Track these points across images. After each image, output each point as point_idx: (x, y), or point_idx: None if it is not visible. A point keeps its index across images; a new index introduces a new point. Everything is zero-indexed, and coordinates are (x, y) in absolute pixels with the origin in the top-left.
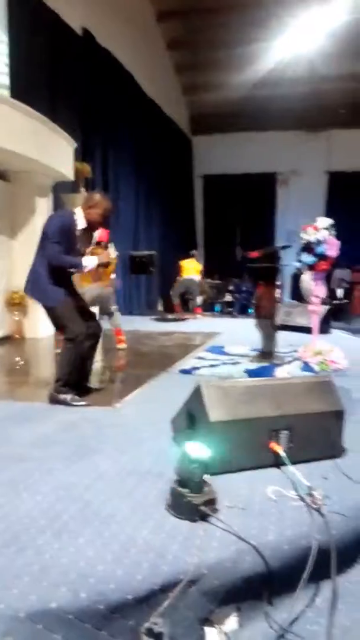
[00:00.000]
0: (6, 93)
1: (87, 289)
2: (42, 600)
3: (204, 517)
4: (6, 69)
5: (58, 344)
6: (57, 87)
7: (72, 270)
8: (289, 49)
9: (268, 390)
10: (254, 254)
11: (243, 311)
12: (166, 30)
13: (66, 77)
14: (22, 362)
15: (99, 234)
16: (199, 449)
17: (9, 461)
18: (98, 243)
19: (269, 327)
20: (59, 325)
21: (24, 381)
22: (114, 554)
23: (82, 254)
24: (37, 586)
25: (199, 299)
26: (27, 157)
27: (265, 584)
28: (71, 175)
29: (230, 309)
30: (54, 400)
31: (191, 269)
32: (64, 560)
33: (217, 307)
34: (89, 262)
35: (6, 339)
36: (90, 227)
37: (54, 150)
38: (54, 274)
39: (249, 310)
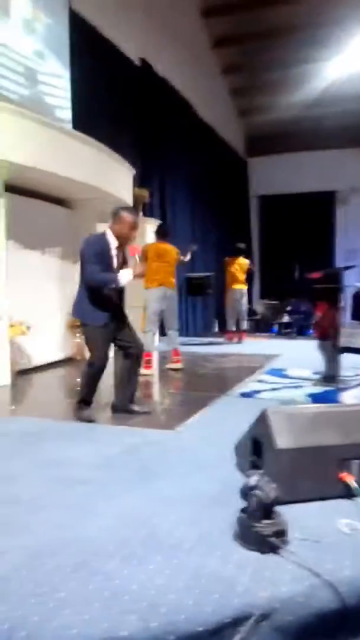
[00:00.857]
0: (69, 126)
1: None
2: (113, 628)
3: (274, 549)
4: (68, 104)
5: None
6: (116, 117)
7: (112, 287)
8: (345, 67)
9: (337, 417)
10: (316, 275)
11: (301, 332)
12: (221, 55)
13: (125, 107)
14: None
15: (130, 250)
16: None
17: (74, 483)
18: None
19: (332, 349)
20: (87, 346)
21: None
22: (183, 583)
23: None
24: (108, 613)
25: (245, 323)
26: (89, 185)
27: (340, 623)
28: (130, 201)
29: (288, 330)
30: (77, 417)
31: (238, 273)
32: (134, 587)
33: (275, 329)
34: (125, 276)
35: (67, 361)
36: (121, 244)
37: (114, 178)
38: (95, 295)
39: (308, 332)
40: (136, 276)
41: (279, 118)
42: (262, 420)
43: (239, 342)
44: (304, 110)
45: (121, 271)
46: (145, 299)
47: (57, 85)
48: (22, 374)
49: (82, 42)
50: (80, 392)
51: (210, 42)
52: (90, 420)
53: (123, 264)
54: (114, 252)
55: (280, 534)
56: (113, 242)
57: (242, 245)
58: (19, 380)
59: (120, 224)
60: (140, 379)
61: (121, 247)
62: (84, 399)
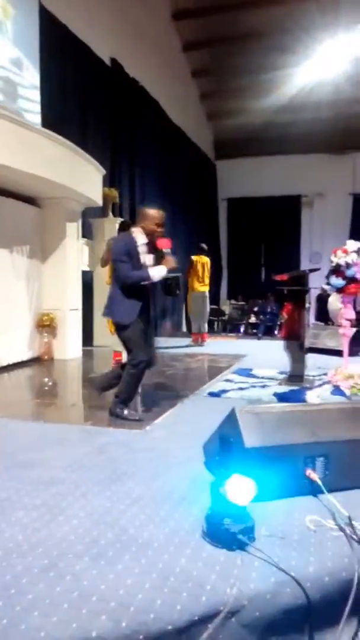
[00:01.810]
0: (38, 124)
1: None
2: (82, 629)
3: (241, 547)
4: (37, 101)
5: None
6: (87, 116)
7: (144, 284)
8: (313, 73)
9: (304, 416)
10: (282, 277)
11: (267, 333)
12: (191, 59)
13: (95, 106)
14: (51, 384)
15: (161, 243)
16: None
17: (43, 484)
18: (158, 251)
19: (298, 349)
20: (127, 348)
21: (53, 402)
22: (152, 582)
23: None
24: (76, 614)
25: (206, 325)
26: (58, 184)
27: (306, 618)
28: (100, 201)
29: (254, 331)
30: (113, 414)
31: (202, 274)
32: (102, 587)
33: (241, 329)
34: (156, 272)
35: (35, 360)
36: (150, 240)
37: (84, 177)
38: (129, 294)
39: (274, 332)
40: (169, 270)
41: (247, 122)
42: (230, 419)
43: (202, 344)
44: (272, 116)
45: (152, 268)
46: None
47: (27, 84)
48: None
49: (52, 40)
50: (122, 392)
51: (181, 45)
52: (139, 419)
53: (156, 260)
54: (142, 249)
55: (248, 531)
56: (140, 239)
57: (204, 246)
58: None
59: (147, 221)
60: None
61: (150, 244)
62: (124, 400)
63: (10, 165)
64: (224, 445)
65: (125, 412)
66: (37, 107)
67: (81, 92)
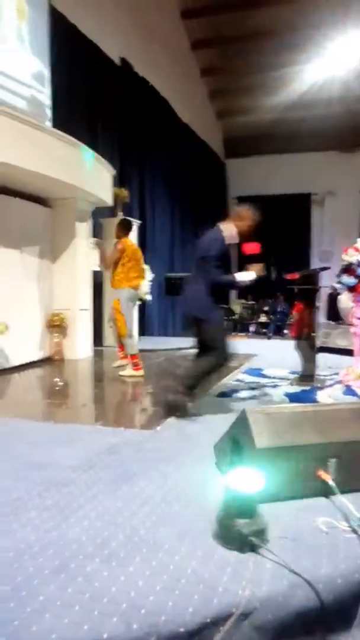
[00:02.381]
0: (49, 124)
1: None
2: (94, 631)
3: (253, 549)
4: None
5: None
6: (96, 116)
7: (234, 287)
8: (323, 71)
9: (315, 417)
10: (293, 276)
11: (277, 332)
12: (200, 57)
13: (105, 106)
14: (62, 384)
15: (249, 248)
16: (251, 479)
17: (55, 485)
18: (250, 257)
19: (309, 349)
20: (211, 345)
21: (64, 402)
22: (163, 584)
23: None
24: (88, 615)
25: None
26: (69, 184)
27: (318, 620)
28: (110, 201)
29: (264, 330)
30: (171, 400)
31: None
32: (114, 589)
33: (252, 328)
34: (244, 277)
35: (46, 360)
36: (240, 240)
37: (94, 178)
38: (216, 293)
39: (284, 332)
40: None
41: (257, 120)
42: (241, 420)
43: None
44: (282, 113)
45: (241, 272)
46: (122, 300)
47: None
48: (0, 373)
49: (62, 40)
50: (190, 378)
51: (190, 44)
52: (195, 414)
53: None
54: (229, 250)
55: (260, 533)
56: (230, 239)
57: None
58: None
59: (244, 221)
60: (131, 380)
61: (235, 245)
62: (191, 386)
63: (20, 165)
64: (235, 446)
65: (185, 400)
66: (48, 108)
67: (91, 92)
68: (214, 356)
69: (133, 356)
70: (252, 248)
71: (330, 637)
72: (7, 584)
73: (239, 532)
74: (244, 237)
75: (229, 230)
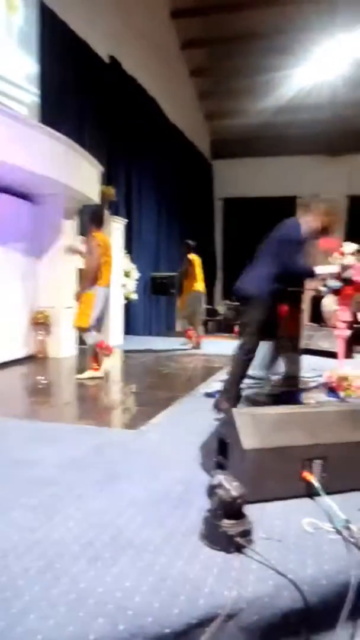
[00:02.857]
0: (35, 118)
1: None
2: (79, 632)
3: (239, 549)
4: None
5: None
6: (84, 113)
7: (303, 277)
8: (311, 75)
9: (302, 418)
10: None
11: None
12: (190, 57)
13: (92, 103)
14: (46, 382)
15: (327, 243)
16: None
17: (39, 484)
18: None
19: (293, 350)
20: (243, 329)
21: (47, 401)
22: (149, 585)
23: None
24: (74, 616)
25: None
26: (56, 181)
27: (303, 621)
28: (97, 198)
29: None
30: (216, 407)
31: (198, 275)
32: (100, 589)
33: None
34: (321, 270)
35: (30, 359)
36: (317, 235)
37: (81, 174)
38: (281, 280)
39: None
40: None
41: (244, 123)
42: (228, 421)
43: (198, 347)
44: (270, 117)
45: (320, 266)
46: (100, 292)
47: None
48: None
49: (51, 36)
50: (225, 382)
51: (179, 44)
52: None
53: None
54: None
55: (246, 533)
56: (308, 232)
57: (192, 243)
58: None
59: (328, 217)
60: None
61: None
62: (225, 390)
63: (6, 160)
64: (222, 446)
65: (226, 406)
66: (36, 101)
67: (79, 89)
68: (241, 345)
69: (99, 344)
70: (330, 245)
71: (315, 637)
72: None
73: (224, 533)
74: (323, 233)
75: (306, 223)
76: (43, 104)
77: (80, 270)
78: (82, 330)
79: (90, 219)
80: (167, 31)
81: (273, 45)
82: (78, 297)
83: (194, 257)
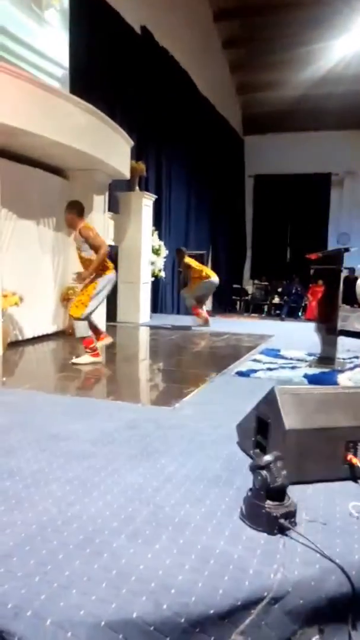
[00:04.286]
0: (66, 90)
1: None
2: (122, 609)
3: (283, 531)
4: (66, 73)
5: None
6: (114, 85)
7: None
8: (350, 47)
9: (345, 399)
10: (314, 256)
11: (291, 314)
12: (223, 29)
13: (123, 75)
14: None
15: None
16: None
17: (74, 457)
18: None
19: (330, 331)
20: None
21: (77, 376)
22: (192, 563)
23: None
24: (116, 593)
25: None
26: (87, 154)
27: (350, 607)
28: (128, 173)
29: (277, 312)
30: None
31: (204, 270)
32: (141, 567)
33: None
34: None
35: (60, 334)
36: None
37: (113, 149)
38: None
39: (298, 314)
40: None
41: (277, 97)
42: (269, 399)
43: (207, 323)
44: (305, 90)
45: None
46: (102, 282)
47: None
48: (13, 345)
49: (82, 7)
50: None
51: (212, 15)
52: None
53: None
54: None
55: (290, 515)
56: None
57: (184, 249)
58: (9, 352)
59: None
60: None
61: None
62: None
63: (36, 132)
64: (261, 426)
65: None
66: (66, 73)
67: (111, 60)
68: None
69: (88, 341)
70: None
71: None
72: (32, 558)
73: (268, 514)
74: None
75: None
76: (74, 76)
77: (84, 260)
78: (75, 319)
79: (78, 211)
80: (200, 1)
81: (311, 16)
82: (81, 281)
83: (189, 261)
